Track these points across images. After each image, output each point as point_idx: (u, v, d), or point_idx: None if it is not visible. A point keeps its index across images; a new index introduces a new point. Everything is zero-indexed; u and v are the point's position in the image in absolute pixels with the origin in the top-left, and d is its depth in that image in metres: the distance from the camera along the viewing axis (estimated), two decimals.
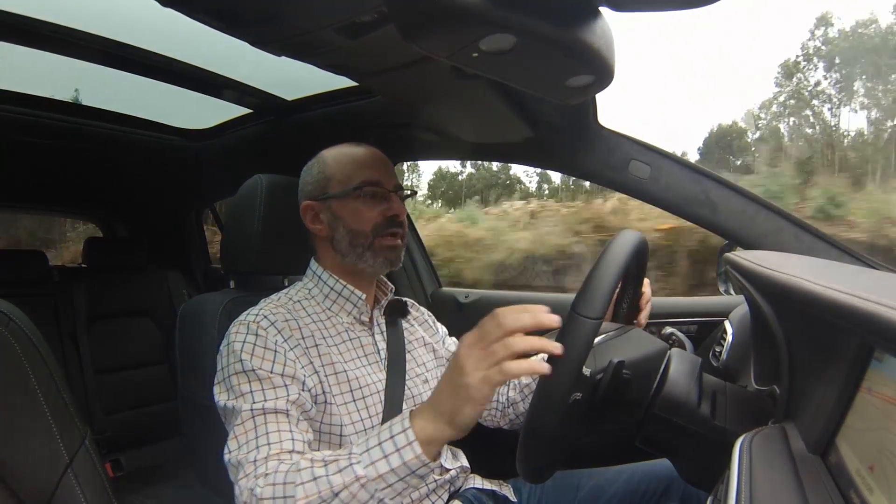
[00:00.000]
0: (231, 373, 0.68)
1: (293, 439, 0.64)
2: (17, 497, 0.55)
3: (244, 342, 0.69)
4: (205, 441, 0.81)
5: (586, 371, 0.63)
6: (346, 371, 0.75)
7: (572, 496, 0.86)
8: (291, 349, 0.71)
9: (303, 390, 0.69)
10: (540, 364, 0.53)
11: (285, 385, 0.67)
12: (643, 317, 0.86)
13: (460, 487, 0.83)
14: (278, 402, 0.65)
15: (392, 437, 0.55)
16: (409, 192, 0.86)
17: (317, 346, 0.74)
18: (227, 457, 0.64)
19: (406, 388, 0.80)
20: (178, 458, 1.73)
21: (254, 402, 0.65)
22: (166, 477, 1.63)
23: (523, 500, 0.87)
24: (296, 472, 0.57)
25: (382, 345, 0.82)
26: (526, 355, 0.53)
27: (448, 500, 0.80)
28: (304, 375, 0.70)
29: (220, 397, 0.69)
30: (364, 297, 0.81)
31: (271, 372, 0.68)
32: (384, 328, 0.84)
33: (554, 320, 0.54)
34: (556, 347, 0.53)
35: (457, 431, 0.56)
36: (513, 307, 0.54)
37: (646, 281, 0.85)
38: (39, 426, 0.57)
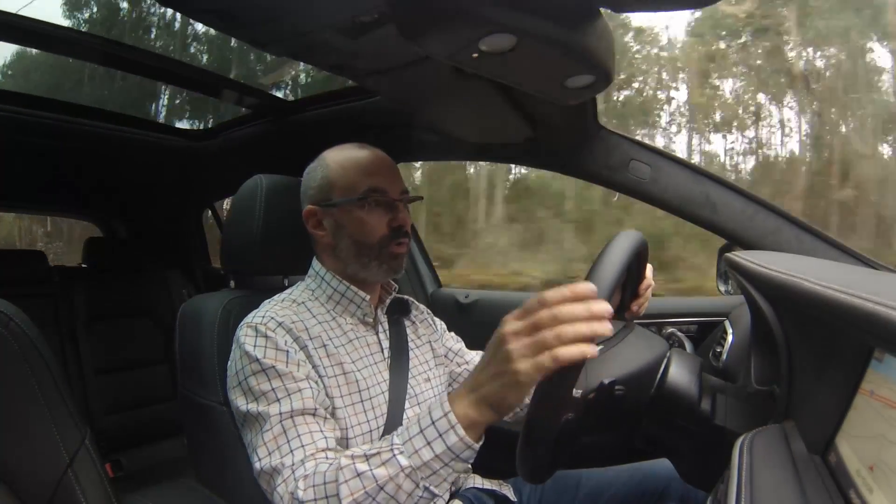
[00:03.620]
0: (248, 374, 0.67)
1: (325, 437, 0.63)
2: (17, 497, 0.55)
3: (255, 345, 0.69)
4: (205, 441, 0.81)
5: (576, 393, 0.61)
6: (353, 372, 0.75)
7: (572, 496, 0.86)
8: (300, 349, 0.71)
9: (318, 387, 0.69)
10: (591, 347, 0.49)
11: (306, 378, 0.67)
12: (638, 304, 0.81)
13: (461, 487, 0.83)
14: (306, 402, 0.65)
15: (433, 422, 0.54)
16: (414, 197, 0.84)
17: (325, 346, 0.74)
18: (257, 465, 0.63)
19: (409, 386, 0.80)
20: (178, 458, 1.73)
21: (281, 406, 0.64)
22: (166, 477, 1.62)
23: (523, 500, 0.87)
24: (337, 470, 0.56)
25: (386, 343, 0.82)
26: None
27: (449, 500, 0.80)
28: (316, 377, 0.70)
29: (240, 402, 0.68)
30: (368, 298, 0.81)
31: (287, 369, 0.68)
32: (387, 327, 0.84)
33: (606, 309, 0.50)
34: (607, 329, 0.50)
35: (500, 415, 0.55)
36: (561, 291, 0.50)
37: (648, 266, 0.80)
38: (39, 426, 0.57)
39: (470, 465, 0.88)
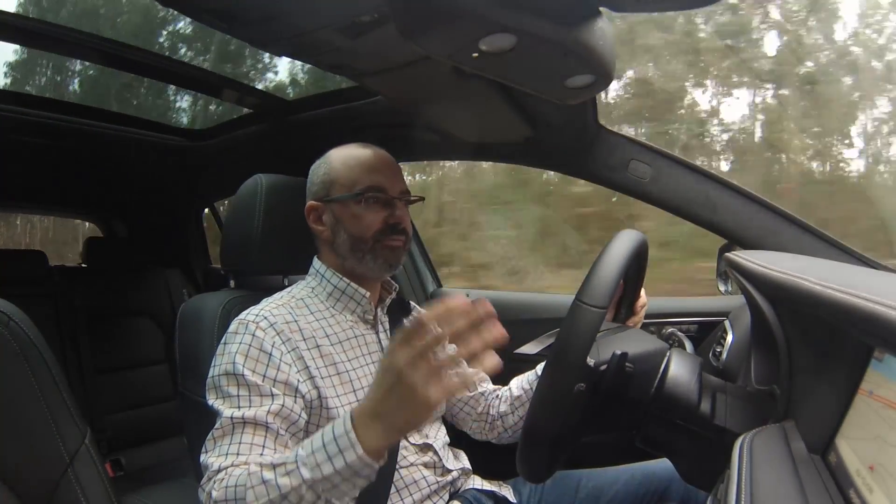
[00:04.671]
0: (221, 373, 0.68)
1: (262, 455, 0.63)
2: (17, 496, 0.55)
3: (240, 343, 0.69)
4: (204, 440, 0.81)
5: (590, 361, 0.63)
6: (348, 371, 0.75)
7: (572, 496, 0.86)
8: (288, 352, 0.71)
9: (295, 398, 0.69)
10: (492, 357, 0.51)
11: (272, 395, 0.67)
12: (633, 322, 0.87)
13: (460, 488, 0.83)
14: (258, 413, 0.65)
15: (335, 438, 0.54)
16: (415, 198, 0.85)
17: (318, 346, 0.74)
18: (201, 457, 0.65)
19: None
20: (178, 458, 1.73)
21: (235, 409, 0.65)
22: (166, 477, 1.62)
23: (523, 501, 0.87)
24: (247, 475, 0.57)
25: (386, 343, 0.82)
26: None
27: (448, 501, 0.80)
28: (298, 381, 0.70)
29: (209, 395, 0.69)
30: (368, 295, 0.81)
31: (264, 376, 0.68)
32: (387, 326, 0.84)
33: (489, 311, 0.51)
34: (499, 334, 0.51)
35: (407, 435, 0.57)
36: (436, 309, 0.50)
37: (642, 290, 0.86)
38: (39, 426, 0.57)
39: (470, 467, 0.88)
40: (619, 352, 0.63)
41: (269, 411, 0.65)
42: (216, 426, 0.65)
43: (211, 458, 0.63)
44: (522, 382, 0.91)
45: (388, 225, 0.79)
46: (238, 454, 0.62)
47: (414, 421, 0.53)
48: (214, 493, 0.58)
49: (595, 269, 0.61)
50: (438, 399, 0.50)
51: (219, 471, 0.61)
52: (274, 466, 0.57)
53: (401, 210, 0.80)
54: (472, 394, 0.94)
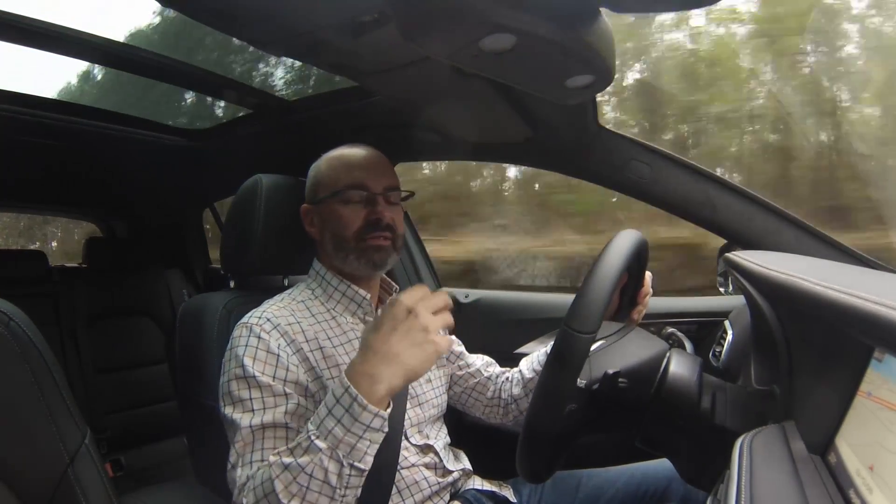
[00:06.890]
0: (231, 377, 0.68)
1: None
2: (17, 497, 0.55)
3: (246, 346, 0.69)
4: (205, 440, 0.81)
5: (581, 383, 0.63)
6: None
7: (572, 496, 0.86)
8: (294, 353, 0.71)
9: (306, 396, 0.69)
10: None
11: (285, 394, 0.67)
12: (637, 312, 0.86)
13: (460, 489, 0.83)
14: (276, 415, 0.65)
15: (337, 400, 0.56)
16: (405, 194, 0.84)
17: (321, 348, 0.74)
18: (228, 473, 0.65)
19: (409, 386, 0.80)
20: (178, 458, 1.73)
21: (253, 417, 0.65)
22: (166, 477, 1.63)
23: (523, 501, 0.87)
24: (269, 468, 0.58)
25: None
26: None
27: (448, 502, 0.80)
28: (308, 380, 0.70)
29: (223, 403, 0.69)
30: (368, 296, 0.81)
31: (273, 377, 0.68)
32: None
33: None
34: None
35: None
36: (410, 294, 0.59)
37: (647, 274, 0.84)
38: (40, 426, 0.57)
39: (471, 468, 0.88)
40: (610, 371, 0.62)
41: (285, 412, 0.66)
42: (237, 438, 0.65)
43: (237, 470, 0.63)
44: (533, 364, 0.91)
45: (368, 222, 0.78)
46: (263, 461, 0.63)
47: (423, 361, 0.57)
48: (244, 500, 0.59)
49: (584, 290, 0.59)
50: (446, 344, 0.58)
51: (248, 480, 0.61)
52: (291, 451, 0.58)
53: (384, 206, 0.79)
54: (477, 379, 0.94)
